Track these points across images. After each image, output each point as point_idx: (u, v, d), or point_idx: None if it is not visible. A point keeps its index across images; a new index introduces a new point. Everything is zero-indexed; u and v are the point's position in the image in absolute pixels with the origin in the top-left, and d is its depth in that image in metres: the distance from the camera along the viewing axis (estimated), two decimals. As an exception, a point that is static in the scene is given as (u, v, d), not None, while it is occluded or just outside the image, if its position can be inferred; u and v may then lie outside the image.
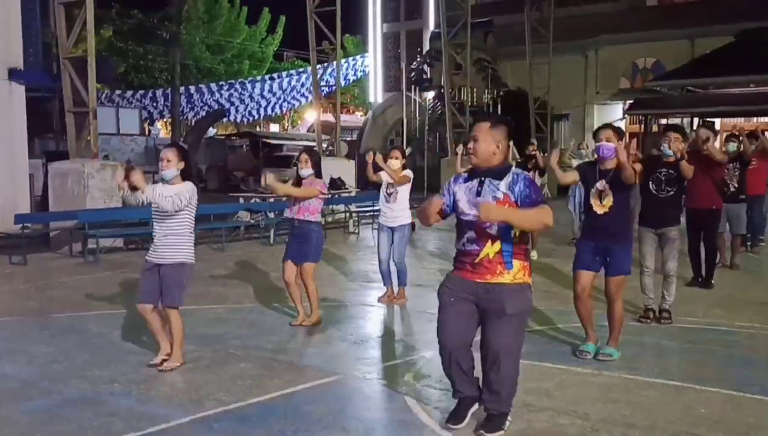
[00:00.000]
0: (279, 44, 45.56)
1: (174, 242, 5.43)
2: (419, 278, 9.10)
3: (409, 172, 7.80)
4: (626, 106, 33.34)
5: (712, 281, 8.32)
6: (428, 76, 33.22)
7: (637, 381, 5.05)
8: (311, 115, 51.95)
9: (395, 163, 7.76)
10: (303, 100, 41.15)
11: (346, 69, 38.48)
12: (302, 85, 38.69)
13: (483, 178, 4.03)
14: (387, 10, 36.76)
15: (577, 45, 33.92)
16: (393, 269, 7.88)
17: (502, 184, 3.96)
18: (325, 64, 39.75)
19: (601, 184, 5.53)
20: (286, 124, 50.09)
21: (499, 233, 3.96)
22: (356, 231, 14.96)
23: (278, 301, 7.84)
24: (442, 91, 31.71)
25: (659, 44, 34.25)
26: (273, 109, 40.91)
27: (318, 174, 6.87)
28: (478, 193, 4.00)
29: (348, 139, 37.25)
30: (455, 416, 4.23)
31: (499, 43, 34.16)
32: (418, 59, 33.95)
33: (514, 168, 4.09)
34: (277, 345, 6.21)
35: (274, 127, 48.45)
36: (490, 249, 3.97)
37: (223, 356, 5.86)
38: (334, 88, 41.50)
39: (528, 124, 28.01)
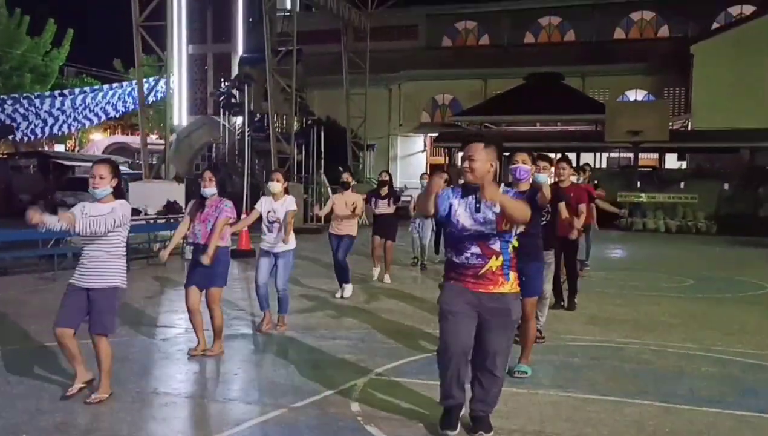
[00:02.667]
0: (65, 58, 42.17)
1: (106, 265, 4.97)
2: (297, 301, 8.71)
3: (291, 204, 7.40)
4: (432, 139, 35.15)
5: (575, 302, 8.89)
6: (237, 100, 32.57)
7: (575, 398, 5.20)
8: (98, 137, 48.73)
9: (276, 186, 7.37)
10: (95, 119, 38.48)
11: (146, 88, 36.57)
12: (96, 105, 36.18)
13: (477, 196, 4.17)
14: (192, 31, 35.67)
15: (382, 78, 35.21)
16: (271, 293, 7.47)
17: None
18: (123, 83, 37.66)
19: None
20: (73, 144, 46.45)
21: (502, 248, 4.21)
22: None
23: (146, 331, 7.18)
24: (255, 116, 31.33)
25: (455, 82, 36.75)
26: (60, 128, 37.70)
27: (222, 193, 6.39)
28: (477, 210, 4.19)
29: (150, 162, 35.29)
30: (449, 423, 4.36)
31: (306, 71, 34.48)
32: (227, 83, 33.19)
33: (503, 185, 4.32)
34: (192, 381, 5.62)
35: (59, 147, 44.66)
36: (495, 263, 4.20)
37: (140, 396, 5.18)
38: (130, 108, 39.36)
39: (344, 152, 28.41)
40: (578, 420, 4.74)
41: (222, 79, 33.48)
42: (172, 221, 14.75)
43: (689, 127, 30.38)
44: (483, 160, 4.14)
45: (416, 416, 4.77)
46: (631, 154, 27.19)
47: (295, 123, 31.22)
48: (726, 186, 24.89)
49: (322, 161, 24.27)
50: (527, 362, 5.83)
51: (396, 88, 37.70)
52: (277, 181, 7.34)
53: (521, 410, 4.90)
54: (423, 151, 37.98)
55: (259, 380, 5.65)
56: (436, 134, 33.62)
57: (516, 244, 4.30)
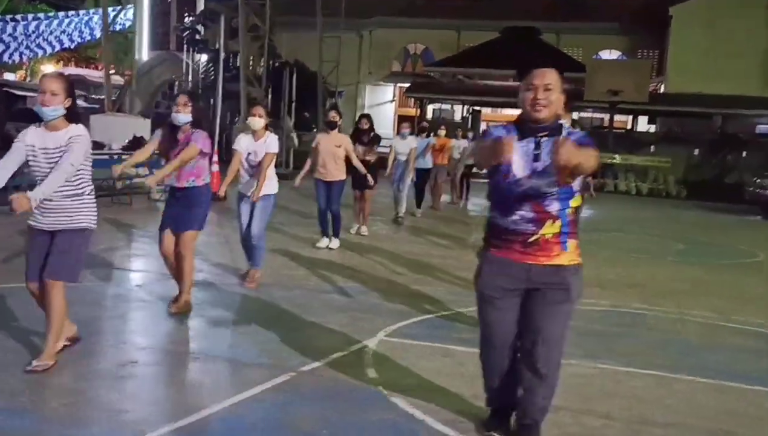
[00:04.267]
0: (18, -19, 39.73)
1: (72, 204, 4.13)
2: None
3: (273, 143, 6.53)
4: (401, 90, 34.29)
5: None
6: (202, 36, 31.12)
7: (615, 371, 4.72)
8: (50, 68, 46.40)
9: (258, 122, 6.46)
10: (48, 49, 36.46)
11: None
12: (50, 33, 34.19)
13: (539, 139, 3.26)
14: (156, -40, 33.78)
15: (353, 24, 34.00)
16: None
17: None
18: (80, 12, 35.68)
19: None
20: (24, 74, 44.17)
21: (561, 210, 3.27)
22: (162, 199, 13.26)
23: (117, 276, 6.46)
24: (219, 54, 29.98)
25: (429, 32, 35.81)
26: (11, 55, 35.60)
27: (198, 123, 5.51)
28: (536, 158, 3.24)
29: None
30: (496, 425, 3.59)
31: (275, 11, 33.12)
32: (192, 18, 31.64)
33: (565, 124, 3.42)
34: (179, 338, 4.97)
35: (9, 77, 42.42)
36: (550, 229, 3.28)
37: (121, 351, 4.51)
38: (87, 39, 37.43)
39: (313, 98, 27.41)
40: (626, 397, 4.27)
41: (186, 14, 31.86)
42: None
43: (662, 90, 30.16)
44: (558, 91, 3.25)
45: (442, 388, 4.25)
46: (604, 115, 26.91)
47: (263, 65, 30.14)
48: (696, 151, 24.85)
49: (293, 106, 23.31)
50: None
51: (367, 35, 36.57)
52: (259, 116, 6.47)
53: (560, 383, 4.39)
54: (392, 102, 37.13)
55: (254, 340, 5.00)
56: (407, 85, 32.75)
57: (578, 203, 3.35)
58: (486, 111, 32.54)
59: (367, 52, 36.65)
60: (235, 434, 3.49)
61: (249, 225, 6.62)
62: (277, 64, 30.09)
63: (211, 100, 29.66)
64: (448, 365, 4.69)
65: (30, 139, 4.04)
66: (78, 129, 4.08)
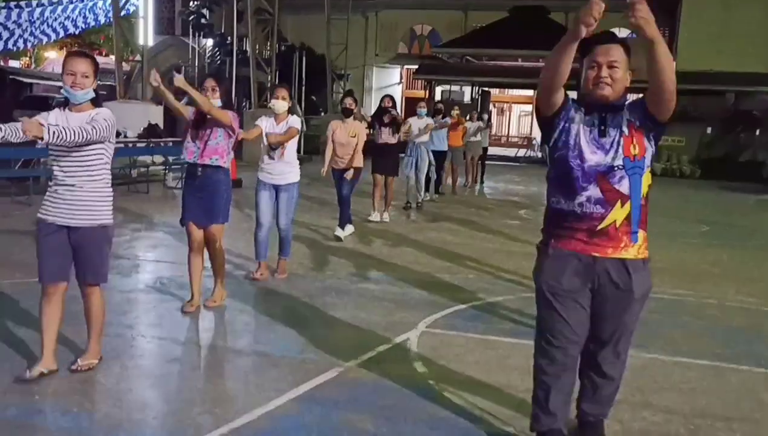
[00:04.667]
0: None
1: (91, 197, 3.86)
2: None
3: (296, 123, 6.38)
4: (408, 71, 34.03)
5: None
6: (208, 20, 30.87)
7: (663, 361, 4.65)
8: (53, 55, 46.16)
9: (281, 104, 6.30)
10: (53, 35, 36.23)
11: (107, 4, 34.50)
12: (55, 19, 33.94)
13: (605, 114, 3.02)
14: (160, -56, 33.44)
15: (359, 5, 33.65)
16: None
17: (625, 115, 3.04)
18: (82, -5, 35.36)
19: None
20: (28, 61, 44.04)
21: (632, 188, 2.98)
22: (179, 186, 13.16)
23: (141, 270, 6.36)
24: (226, 39, 29.76)
25: (435, 13, 35.37)
26: (15, 42, 35.39)
27: (229, 105, 5.42)
28: (602, 133, 3.02)
29: (111, 84, 33.54)
30: None
31: (281, -6, 32.86)
32: (197, 2, 31.35)
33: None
34: (220, 333, 4.89)
35: (14, 64, 42.31)
36: (619, 213, 2.99)
37: (154, 356, 4.43)
38: (91, 25, 37.20)
39: (320, 82, 27.20)
40: (682, 390, 4.18)
41: (191, -2, 31.57)
42: (152, 145, 13.67)
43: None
44: (624, 67, 3.02)
45: (494, 382, 4.18)
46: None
47: (268, 49, 29.88)
48: (709, 130, 24.59)
49: (304, 90, 23.11)
50: None
51: (373, 16, 36.17)
52: (282, 98, 6.29)
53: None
54: (399, 84, 36.81)
55: (295, 334, 4.90)
56: (415, 66, 32.43)
57: (649, 181, 3.06)
58: (494, 92, 32.27)
59: (373, 33, 36.25)
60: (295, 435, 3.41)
61: (275, 216, 6.44)
62: (283, 48, 29.88)
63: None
64: (495, 357, 4.61)
65: (53, 118, 3.82)
66: (105, 111, 3.87)
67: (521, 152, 28.97)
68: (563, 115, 3.08)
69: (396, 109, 10.47)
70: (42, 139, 3.50)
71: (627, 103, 3.08)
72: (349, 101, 8.62)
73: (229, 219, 5.51)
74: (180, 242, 7.87)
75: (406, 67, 36.14)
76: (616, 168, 3.00)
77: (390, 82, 37.07)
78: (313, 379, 4.05)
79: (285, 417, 3.57)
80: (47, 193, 3.91)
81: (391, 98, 10.75)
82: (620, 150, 3.00)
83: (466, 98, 29.56)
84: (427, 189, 12.49)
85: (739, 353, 4.90)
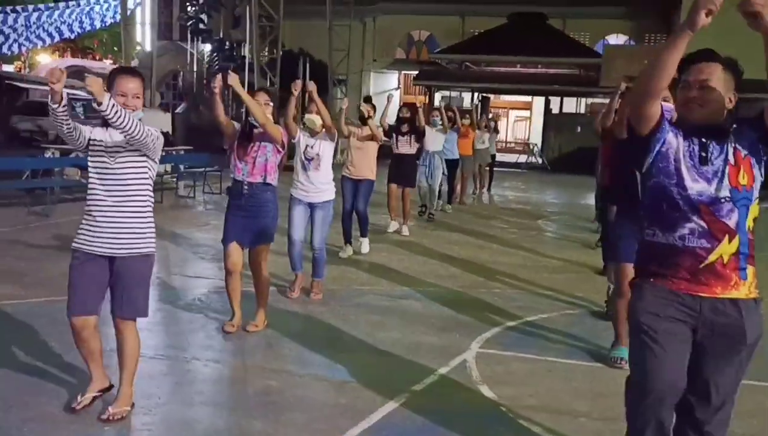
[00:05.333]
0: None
1: (136, 222, 3.63)
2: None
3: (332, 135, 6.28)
4: (410, 76, 34.01)
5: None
6: (206, 26, 30.74)
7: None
8: (46, 59, 45.77)
9: (317, 119, 6.11)
10: (48, 39, 35.96)
11: (104, 9, 34.32)
12: (51, 24, 33.70)
13: (706, 140, 2.76)
14: (157, -52, 33.26)
15: (356, 11, 33.64)
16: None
17: (731, 141, 2.76)
18: (81, 1, 35.16)
19: None
20: (21, 65, 43.62)
21: (739, 223, 2.72)
22: (191, 194, 13.06)
23: (171, 293, 6.26)
24: (224, 45, 29.67)
25: (433, 18, 35.47)
26: (10, 47, 35.10)
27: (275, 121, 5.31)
28: (703, 161, 2.75)
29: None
30: None
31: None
32: (195, 7, 31.18)
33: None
34: (273, 358, 4.80)
35: (7, 68, 41.91)
36: (727, 248, 2.71)
37: (243, 383, 4.34)
38: (86, 29, 36.95)
39: (321, 88, 27.07)
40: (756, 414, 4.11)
41: (189, 3, 31.35)
42: (164, 154, 13.54)
43: (670, 76, 29.92)
44: (721, 88, 2.74)
45: (565, 407, 4.12)
46: (602, 100, 26.78)
47: (265, 54, 29.77)
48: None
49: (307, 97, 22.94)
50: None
51: (371, 22, 36.18)
52: (317, 113, 6.13)
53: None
54: (397, 89, 36.78)
55: (350, 359, 4.81)
56: (413, 72, 32.46)
57: (757, 213, 2.78)
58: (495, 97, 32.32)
59: (371, 39, 36.25)
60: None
61: (301, 231, 6.28)
62: (281, 53, 29.78)
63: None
64: (558, 381, 4.55)
65: (97, 134, 3.64)
66: (153, 129, 3.65)
67: (521, 158, 28.96)
68: (659, 136, 2.77)
69: (420, 116, 10.33)
70: (100, 102, 3.28)
71: (738, 123, 2.81)
72: (365, 108, 8.35)
73: (273, 239, 5.43)
74: (203, 256, 7.79)
75: (403, 72, 36.18)
76: (723, 200, 2.73)
77: (388, 87, 36.99)
78: (381, 407, 3.96)
79: (365, 449, 3.49)
80: (84, 220, 3.61)
81: (412, 106, 10.68)
82: (725, 180, 2.73)
83: (466, 104, 29.55)
84: (439, 198, 12.43)
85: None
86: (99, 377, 3.82)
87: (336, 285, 6.75)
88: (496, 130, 17.08)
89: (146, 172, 3.65)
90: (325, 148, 6.25)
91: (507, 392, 4.28)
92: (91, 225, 3.59)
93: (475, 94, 29.34)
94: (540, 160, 27.34)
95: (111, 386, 3.83)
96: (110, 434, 3.51)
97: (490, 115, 17.24)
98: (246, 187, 5.17)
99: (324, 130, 6.22)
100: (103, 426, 3.55)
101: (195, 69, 30.75)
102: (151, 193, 3.72)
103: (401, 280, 7.16)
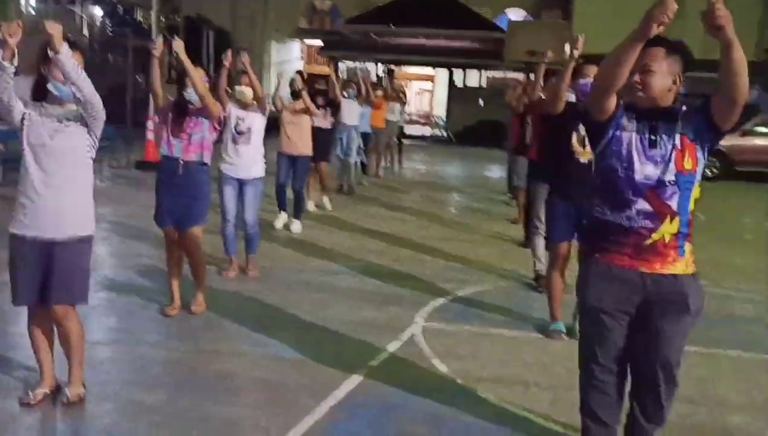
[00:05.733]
0: None
1: (75, 203, 3.47)
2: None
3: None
4: (311, 46, 33.63)
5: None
6: (97, -11, 29.13)
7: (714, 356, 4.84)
8: None
9: (249, 91, 5.96)
10: None
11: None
12: None
13: (655, 123, 2.93)
14: None
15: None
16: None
17: (678, 127, 2.92)
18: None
19: (584, 128, 4.92)
20: None
21: (681, 204, 2.90)
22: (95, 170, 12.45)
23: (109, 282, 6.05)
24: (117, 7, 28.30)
25: (336, -13, 34.97)
26: None
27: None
28: (652, 144, 2.92)
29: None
30: None
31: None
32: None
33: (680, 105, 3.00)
34: (223, 339, 4.74)
35: None
36: (668, 228, 2.90)
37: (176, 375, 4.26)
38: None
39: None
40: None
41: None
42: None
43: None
44: (663, 72, 2.89)
45: (517, 378, 4.33)
46: (517, 75, 27.46)
47: (163, 20, 28.61)
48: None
49: (212, 68, 22.25)
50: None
51: (272, -11, 35.34)
52: (247, 84, 5.99)
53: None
54: (300, 59, 36.30)
55: (297, 336, 4.85)
56: (316, 42, 32.12)
57: (698, 195, 2.96)
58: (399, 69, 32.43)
59: (273, 7, 35.44)
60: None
61: (234, 210, 6.17)
62: (177, 19, 28.73)
63: (110, 58, 28.13)
64: (506, 352, 4.74)
65: (32, 109, 3.45)
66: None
67: (426, 131, 29.33)
68: (614, 122, 2.96)
69: (329, 92, 10.20)
70: (58, 50, 3.13)
71: (687, 109, 2.95)
72: (298, 81, 8.21)
73: (207, 220, 5.32)
74: (129, 236, 7.51)
75: (306, 42, 35.67)
76: (667, 183, 2.91)
77: (291, 56, 36.46)
78: (342, 384, 4.02)
79: (336, 427, 3.54)
80: (19, 203, 3.42)
81: (327, 77, 10.55)
82: (671, 164, 2.90)
83: (372, 76, 29.58)
84: (364, 171, 12.50)
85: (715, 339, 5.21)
86: (48, 372, 3.67)
87: (270, 263, 6.69)
88: (405, 102, 17.20)
89: (87, 149, 3.52)
90: (256, 122, 6.13)
91: (458, 365, 4.43)
92: (28, 208, 3.41)
93: (380, 65, 29.37)
94: (444, 133, 27.79)
95: (60, 387, 3.68)
96: (71, 423, 3.40)
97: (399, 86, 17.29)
98: (182, 165, 5.01)
99: (255, 102, 6.13)
100: (62, 415, 3.44)
101: (86, 34, 29.14)
102: (91, 171, 3.57)
103: (333, 256, 7.19)
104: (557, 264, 5.10)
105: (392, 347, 4.69)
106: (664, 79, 2.90)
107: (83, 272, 3.55)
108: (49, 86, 3.46)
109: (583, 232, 3.18)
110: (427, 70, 35.03)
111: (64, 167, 3.43)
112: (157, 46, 4.84)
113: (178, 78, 5.09)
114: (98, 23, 30.03)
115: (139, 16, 29.08)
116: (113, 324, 4.94)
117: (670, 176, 2.90)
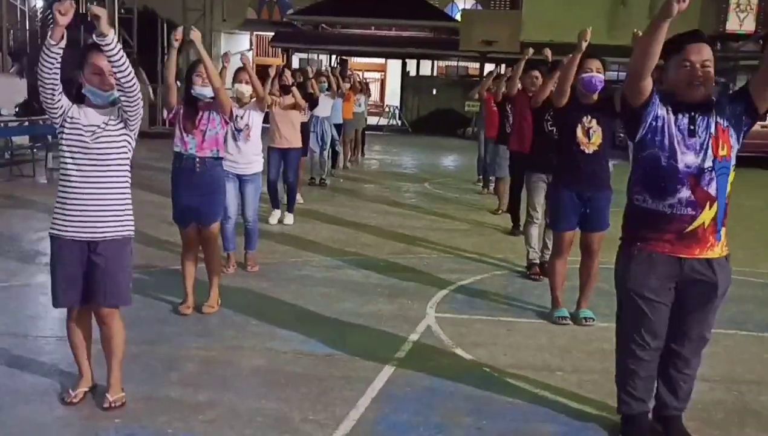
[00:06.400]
0: None
1: (115, 204, 3.49)
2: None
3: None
4: (265, 38, 33.33)
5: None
6: (39, -20, 28.24)
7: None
8: None
9: (246, 88, 6.02)
10: None
11: None
12: None
13: (694, 114, 3.14)
14: None
15: (202, -33, 32.27)
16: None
17: (713, 116, 3.15)
18: None
19: (588, 120, 5.06)
20: None
21: (719, 190, 3.10)
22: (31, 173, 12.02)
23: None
24: None
25: (284, -22, 34.66)
26: None
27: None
28: (691, 133, 3.12)
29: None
30: (645, 431, 3.45)
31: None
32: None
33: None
34: (248, 336, 4.79)
35: None
36: (708, 214, 3.10)
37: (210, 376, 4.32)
38: None
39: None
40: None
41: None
42: (27, 123, 12.48)
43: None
44: (714, 66, 3.11)
45: (540, 363, 4.52)
46: (470, 64, 27.81)
47: (107, 12, 27.88)
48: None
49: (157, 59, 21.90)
50: (587, 304, 5.30)
51: (218, -20, 34.82)
52: (246, 82, 6.03)
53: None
54: (250, 50, 35.89)
55: (320, 331, 4.94)
56: (266, 33, 31.85)
57: (733, 178, 3.18)
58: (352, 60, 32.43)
59: (220, -2, 34.94)
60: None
61: (235, 206, 6.19)
62: (122, 11, 28.07)
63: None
64: (521, 338, 4.92)
65: (74, 112, 3.46)
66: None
67: (381, 121, 29.43)
68: (650, 109, 3.12)
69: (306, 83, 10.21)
70: (106, 33, 3.14)
71: (718, 98, 3.17)
72: (286, 76, 8.38)
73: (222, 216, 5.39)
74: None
75: (256, 33, 35.31)
76: (706, 170, 3.09)
77: (241, 47, 36.03)
78: (378, 377, 4.12)
79: (385, 418, 3.64)
80: (57, 204, 3.48)
81: (303, 71, 10.57)
82: (710, 151, 3.10)
83: (324, 67, 29.51)
84: (333, 166, 12.55)
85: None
86: (87, 371, 3.71)
87: (268, 259, 6.74)
88: (370, 94, 17.33)
89: (126, 150, 3.54)
90: (254, 119, 6.20)
91: (481, 353, 4.58)
92: (68, 209, 3.43)
93: (333, 57, 29.33)
94: (400, 123, 27.96)
95: (96, 385, 3.74)
96: (123, 427, 3.43)
97: (359, 79, 17.42)
98: (198, 162, 5.04)
99: (253, 100, 6.17)
100: (110, 419, 3.46)
101: (27, 27, 28.25)
102: (129, 172, 3.59)
103: (327, 251, 7.26)
104: (561, 252, 5.29)
105: (413, 337, 4.82)
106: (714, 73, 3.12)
107: (126, 272, 3.58)
108: (85, 91, 3.49)
109: (625, 219, 3.33)
110: (378, 61, 35.14)
111: (104, 168, 3.46)
112: (178, 37, 4.83)
113: (187, 74, 5.09)
114: (39, 15, 29.16)
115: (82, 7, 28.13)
116: (135, 327, 4.91)
117: (708, 163, 3.12)
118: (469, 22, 23.36)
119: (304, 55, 30.62)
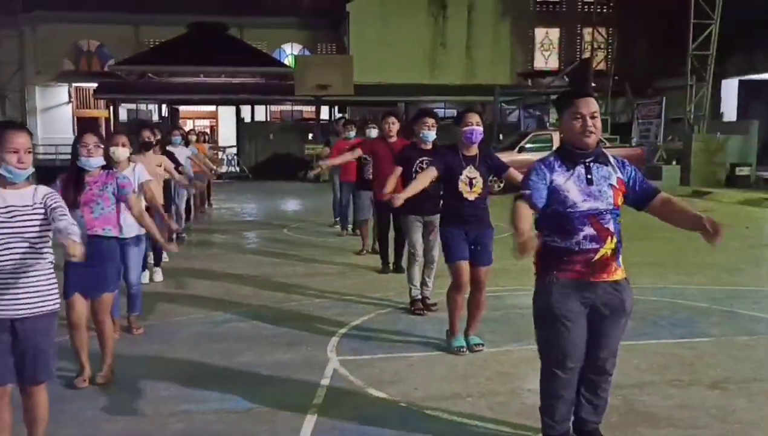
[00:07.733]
0: None
1: (39, 280, 3.45)
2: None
3: (145, 174, 6.22)
4: (80, 89, 31.92)
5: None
6: None
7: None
8: None
9: (122, 152, 5.97)
10: None
11: None
12: None
13: (588, 163, 3.55)
14: None
15: (10, 20, 30.73)
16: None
17: (611, 169, 3.58)
18: None
19: (470, 171, 5.60)
20: None
21: (616, 227, 3.57)
22: None
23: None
24: None
25: (102, 27, 33.70)
26: None
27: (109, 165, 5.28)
28: (589, 181, 3.52)
29: None
30: None
31: None
32: None
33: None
34: (164, 401, 4.68)
35: None
36: (609, 246, 3.52)
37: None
38: None
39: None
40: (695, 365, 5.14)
41: None
42: None
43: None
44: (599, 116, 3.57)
45: (453, 393, 4.79)
46: (305, 108, 28.29)
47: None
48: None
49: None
50: (475, 332, 5.70)
51: (29, 31, 33.02)
52: (123, 145, 5.98)
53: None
54: (69, 103, 34.18)
55: (230, 385, 4.96)
56: (90, 84, 30.58)
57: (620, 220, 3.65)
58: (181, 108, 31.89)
59: (31, 50, 33.11)
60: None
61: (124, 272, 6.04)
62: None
63: None
64: (424, 371, 5.20)
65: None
66: (43, 187, 3.56)
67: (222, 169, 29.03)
68: (538, 199, 3.49)
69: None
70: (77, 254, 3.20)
71: (621, 162, 3.64)
72: (146, 133, 8.00)
73: (118, 287, 5.26)
74: None
75: (74, 85, 33.77)
76: (605, 212, 3.52)
77: (58, 102, 34.26)
78: (303, 425, 4.21)
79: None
80: None
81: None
82: (611, 200, 3.53)
83: (155, 117, 28.78)
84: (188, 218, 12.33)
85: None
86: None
87: (152, 320, 6.59)
88: (213, 142, 17.20)
89: (47, 226, 3.46)
90: (139, 179, 6.15)
91: (394, 390, 4.80)
92: None
93: (163, 106, 28.70)
94: (239, 169, 27.78)
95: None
96: None
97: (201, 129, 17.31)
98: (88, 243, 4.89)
99: (131, 164, 6.13)
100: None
101: None
102: (50, 246, 3.53)
103: (210, 305, 7.20)
104: (460, 286, 5.62)
105: (324, 382, 4.95)
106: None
107: (53, 346, 3.55)
108: (2, 170, 3.40)
109: (539, 255, 3.64)
110: (209, 108, 34.76)
111: (24, 245, 3.38)
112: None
113: (73, 145, 4.94)
114: None
115: None
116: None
117: (609, 207, 3.54)
118: (304, 67, 23.90)
119: (132, 106, 29.65)
